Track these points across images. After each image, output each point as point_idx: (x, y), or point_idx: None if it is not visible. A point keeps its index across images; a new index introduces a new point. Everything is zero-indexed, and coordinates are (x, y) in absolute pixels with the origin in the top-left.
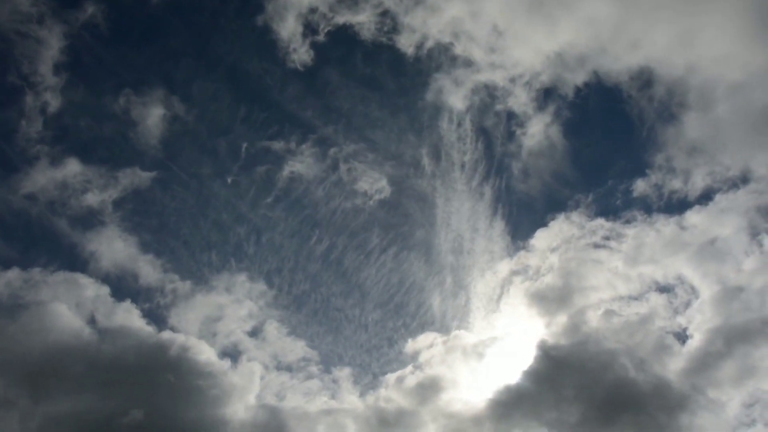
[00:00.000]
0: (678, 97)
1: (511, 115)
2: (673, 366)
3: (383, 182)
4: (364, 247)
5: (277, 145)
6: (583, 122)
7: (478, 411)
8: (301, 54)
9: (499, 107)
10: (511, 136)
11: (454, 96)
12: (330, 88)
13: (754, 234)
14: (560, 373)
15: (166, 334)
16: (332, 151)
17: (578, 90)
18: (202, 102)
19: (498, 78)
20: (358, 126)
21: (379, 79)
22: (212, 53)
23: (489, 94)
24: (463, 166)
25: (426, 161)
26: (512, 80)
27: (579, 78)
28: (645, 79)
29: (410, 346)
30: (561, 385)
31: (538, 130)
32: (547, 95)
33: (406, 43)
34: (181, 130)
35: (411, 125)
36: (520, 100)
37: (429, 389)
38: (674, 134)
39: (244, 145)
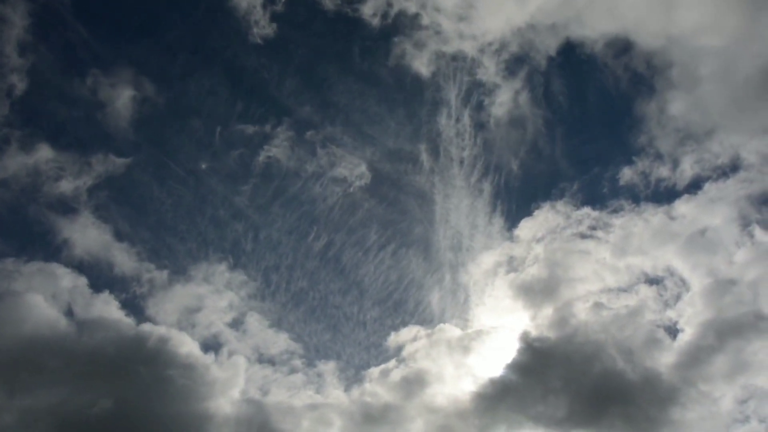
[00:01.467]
0: (659, 71)
1: (480, 85)
2: (664, 360)
3: (363, 168)
4: (363, 244)
5: (253, 129)
6: (561, 99)
7: (463, 405)
8: (262, 27)
9: (467, 78)
10: (480, 106)
11: (418, 61)
12: (298, 62)
13: (745, 224)
14: (547, 367)
15: (146, 326)
16: (309, 134)
17: (551, 59)
18: (173, 83)
19: (468, 47)
20: (346, 113)
21: (347, 50)
22: (184, 33)
23: (458, 65)
24: (462, 162)
25: (425, 157)
26: (481, 50)
27: (552, 46)
28: (621, 47)
29: (393, 339)
30: (548, 379)
31: (507, 98)
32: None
33: (369, 12)
34: (153, 113)
35: (409, 120)
36: (490, 71)
37: (414, 383)
38: (657, 112)
39: (218, 128)
